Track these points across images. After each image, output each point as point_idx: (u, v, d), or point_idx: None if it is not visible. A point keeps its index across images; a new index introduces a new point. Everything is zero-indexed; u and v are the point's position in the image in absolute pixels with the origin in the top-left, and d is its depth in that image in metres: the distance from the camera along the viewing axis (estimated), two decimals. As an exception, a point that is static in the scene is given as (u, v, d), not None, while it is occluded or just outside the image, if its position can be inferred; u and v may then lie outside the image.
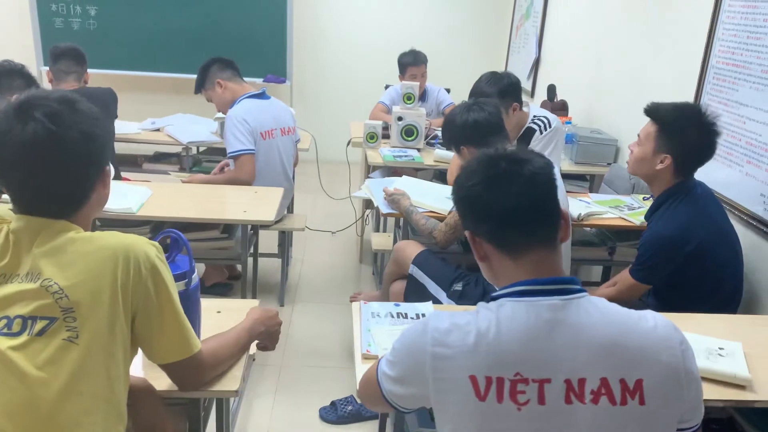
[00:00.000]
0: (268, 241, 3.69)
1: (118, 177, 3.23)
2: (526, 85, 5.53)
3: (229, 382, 1.48)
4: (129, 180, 3.38)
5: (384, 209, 2.75)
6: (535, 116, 3.00)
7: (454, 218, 2.42)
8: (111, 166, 1.36)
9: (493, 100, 2.55)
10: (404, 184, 2.89)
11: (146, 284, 1.23)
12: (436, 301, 2.38)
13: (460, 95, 4.31)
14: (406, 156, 3.53)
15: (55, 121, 1.18)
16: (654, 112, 2.18)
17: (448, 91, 4.78)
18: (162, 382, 1.42)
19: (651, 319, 1.17)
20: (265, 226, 3.24)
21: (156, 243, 1.29)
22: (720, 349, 1.72)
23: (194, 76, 5.66)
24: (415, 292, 2.48)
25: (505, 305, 1.16)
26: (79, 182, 1.24)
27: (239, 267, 3.78)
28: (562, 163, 3.62)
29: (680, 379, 1.14)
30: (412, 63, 4.24)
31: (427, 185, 2.90)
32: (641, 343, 1.13)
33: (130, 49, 5.84)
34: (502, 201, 1.19)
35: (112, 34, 5.77)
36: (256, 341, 1.66)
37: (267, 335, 1.66)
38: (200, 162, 3.83)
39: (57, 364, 1.14)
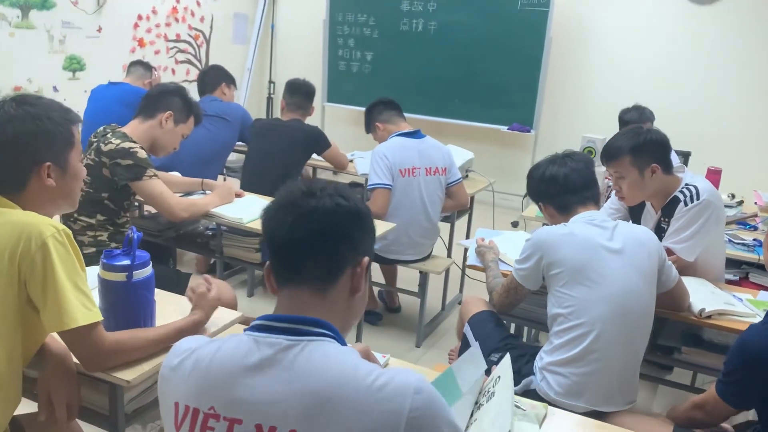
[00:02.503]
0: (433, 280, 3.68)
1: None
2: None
3: (129, 372, 1.58)
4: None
5: (471, 260, 2.56)
6: (686, 184, 2.46)
7: (511, 280, 2.15)
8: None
9: (584, 155, 2.19)
10: (508, 237, 2.65)
11: (33, 257, 1.42)
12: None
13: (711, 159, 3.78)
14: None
15: None
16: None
17: (684, 155, 4.18)
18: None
19: (386, 377, 0.99)
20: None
21: (62, 227, 1.48)
22: None
23: (449, 121, 6.04)
24: (465, 354, 2.26)
25: (235, 337, 1.09)
26: (7, 168, 1.51)
27: (398, 301, 3.90)
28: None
29: None
30: (636, 120, 3.81)
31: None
32: (353, 400, 0.96)
33: (396, 92, 6.32)
34: (276, 230, 1.12)
35: (383, 78, 6.40)
36: None
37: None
38: (379, 193, 4.01)
39: None
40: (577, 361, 1.91)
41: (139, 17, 5.76)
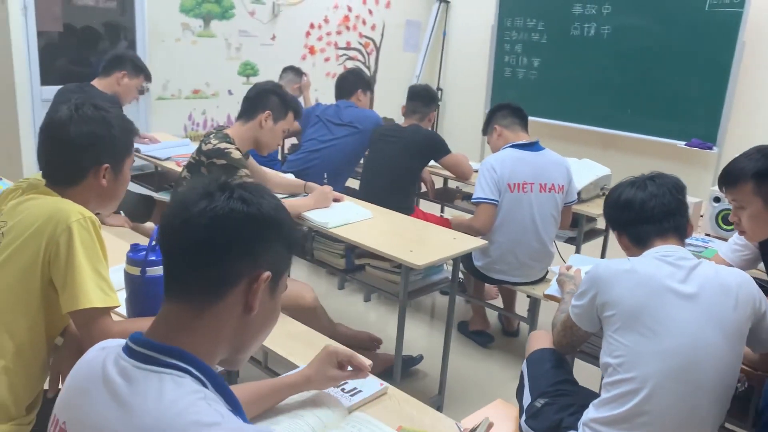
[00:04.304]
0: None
1: (404, 210, 3.40)
2: None
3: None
4: (421, 211, 3.62)
5: (551, 290, 2.28)
6: (828, 220, 1.95)
7: (567, 318, 1.86)
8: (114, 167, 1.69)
9: (672, 178, 1.81)
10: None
11: (58, 240, 1.54)
12: (522, 413, 1.90)
13: None
14: (696, 246, 2.73)
15: (73, 113, 1.63)
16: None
17: None
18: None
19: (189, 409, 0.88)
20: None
21: (89, 214, 1.58)
22: None
23: (619, 133, 5.58)
24: (520, 394, 2.02)
25: (105, 353, 1.01)
26: (69, 164, 1.65)
27: (516, 325, 3.64)
28: None
29: None
30: None
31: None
32: None
33: (563, 100, 6.01)
34: (163, 234, 1.01)
35: (549, 85, 6.07)
36: None
37: None
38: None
39: None
40: (623, 422, 1.60)
41: (311, 26, 6.07)
